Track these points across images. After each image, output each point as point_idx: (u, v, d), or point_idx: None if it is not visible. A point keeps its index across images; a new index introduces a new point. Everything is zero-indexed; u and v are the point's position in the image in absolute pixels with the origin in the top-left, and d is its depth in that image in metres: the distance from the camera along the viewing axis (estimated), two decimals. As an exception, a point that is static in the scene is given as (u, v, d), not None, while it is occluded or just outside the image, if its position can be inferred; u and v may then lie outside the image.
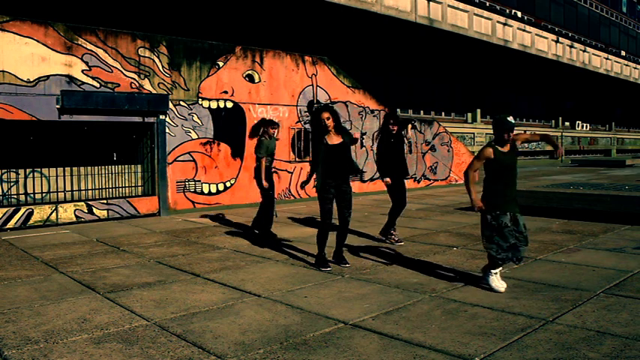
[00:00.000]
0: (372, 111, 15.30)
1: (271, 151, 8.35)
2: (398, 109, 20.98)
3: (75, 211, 10.03)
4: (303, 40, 15.46)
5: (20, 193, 9.86)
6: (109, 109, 10.16)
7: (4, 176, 9.71)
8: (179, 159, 11.30)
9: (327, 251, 6.27)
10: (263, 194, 8.31)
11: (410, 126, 8.60)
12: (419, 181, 16.75)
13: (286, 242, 7.80)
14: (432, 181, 17.23)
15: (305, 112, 13.59)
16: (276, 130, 8.46)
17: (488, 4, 23.91)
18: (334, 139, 6.05)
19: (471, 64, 24.61)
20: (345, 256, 6.42)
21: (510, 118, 5.04)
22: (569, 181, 15.69)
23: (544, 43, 27.25)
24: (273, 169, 8.94)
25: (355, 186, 13.89)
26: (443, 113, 24.94)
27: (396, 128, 7.83)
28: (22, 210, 9.48)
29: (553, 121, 33.96)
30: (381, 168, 7.81)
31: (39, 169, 10.08)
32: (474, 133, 25.86)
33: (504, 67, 26.32)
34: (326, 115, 5.99)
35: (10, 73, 9.14)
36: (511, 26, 24.63)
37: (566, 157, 33.91)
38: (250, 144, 12.44)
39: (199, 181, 11.63)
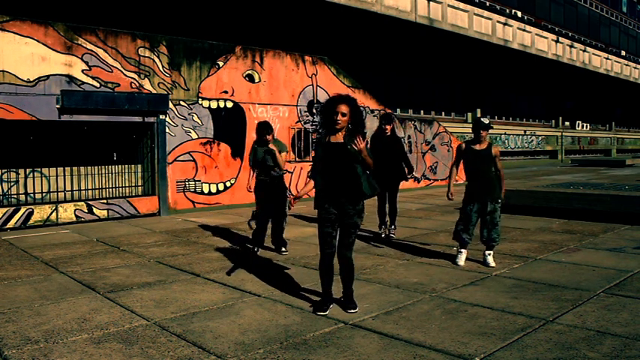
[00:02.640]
0: (372, 111, 15.29)
1: (258, 159, 6.95)
2: (398, 109, 20.99)
3: (75, 210, 10.03)
4: (303, 40, 15.45)
5: (20, 192, 9.86)
6: (109, 109, 10.16)
7: (4, 176, 9.71)
8: (179, 159, 11.30)
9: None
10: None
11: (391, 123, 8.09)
12: (419, 181, 16.75)
13: (286, 242, 7.78)
14: (432, 181, 17.23)
15: (305, 111, 13.60)
16: (270, 136, 6.91)
17: (488, 4, 23.90)
18: (339, 139, 4.48)
19: (471, 64, 24.60)
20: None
21: (484, 119, 6.03)
22: (569, 180, 15.69)
23: (544, 43, 27.24)
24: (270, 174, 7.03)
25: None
26: (443, 113, 24.93)
27: (389, 128, 7.87)
28: (22, 210, 9.48)
29: (553, 121, 33.95)
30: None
31: (39, 169, 10.08)
32: (474, 133, 25.80)
33: (504, 67, 26.30)
34: (344, 108, 4.40)
35: (10, 73, 9.14)
36: (511, 26, 24.62)
37: (566, 157, 33.92)
38: (250, 143, 12.44)
39: (199, 180, 11.63)
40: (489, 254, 6.19)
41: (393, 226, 8.15)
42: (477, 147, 6.14)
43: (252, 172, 7.20)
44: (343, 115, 4.39)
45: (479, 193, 6.10)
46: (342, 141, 4.45)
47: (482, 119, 6.07)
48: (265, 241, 7.29)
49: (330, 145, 4.47)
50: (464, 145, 6.27)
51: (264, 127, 6.91)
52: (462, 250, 6.28)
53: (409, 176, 8.15)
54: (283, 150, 7.08)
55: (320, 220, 4.54)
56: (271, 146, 6.84)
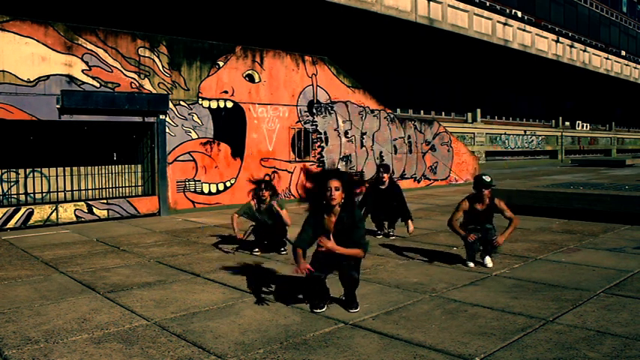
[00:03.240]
0: (372, 111, 15.30)
1: (258, 219, 6.88)
2: (398, 109, 21.01)
3: (75, 210, 10.03)
4: (303, 40, 15.46)
5: (20, 192, 9.86)
6: (109, 109, 10.16)
7: (4, 176, 9.71)
8: (179, 159, 11.30)
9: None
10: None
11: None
12: (419, 181, 16.75)
13: (286, 242, 7.78)
14: (432, 181, 17.22)
15: (305, 111, 13.60)
16: (267, 192, 6.76)
17: (488, 4, 23.91)
18: (333, 221, 4.43)
19: (471, 64, 24.61)
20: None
21: (485, 177, 5.95)
22: (570, 180, 15.69)
23: (544, 43, 27.26)
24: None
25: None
26: (443, 113, 24.95)
27: (386, 177, 8.11)
28: (23, 210, 9.48)
29: (553, 121, 33.97)
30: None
31: (39, 169, 10.08)
32: (474, 133, 25.86)
33: (504, 67, 26.32)
34: (336, 183, 4.33)
35: (10, 73, 9.14)
36: (511, 26, 24.64)
37: (566, 157, 33.94)
38: (250, 143, 12.47)
39: (199, 180, 11.64)
40: (487, 257, 6.22)
41: (392, 229, 8.32)
42: (479, 207, 6.09)
43: (236, 216, 7.06)
44: (337, 189, 4.31)
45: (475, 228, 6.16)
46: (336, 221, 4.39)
47: (484, 177, 5.96)
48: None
49: (327, 232, 4.39)
50: (467, 203, 6.14)
51: (260, 184, 6.80)
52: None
53: (411, 228, 8.09)
54: (283, 207, 6.90)
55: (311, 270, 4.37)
56: (275, 204, 6.78)
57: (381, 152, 15.47)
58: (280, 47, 13.21)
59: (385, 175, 8.13)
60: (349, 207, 4.40)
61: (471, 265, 6.19)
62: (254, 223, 7.07)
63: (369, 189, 8.27)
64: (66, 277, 5.86)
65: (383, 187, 8.14)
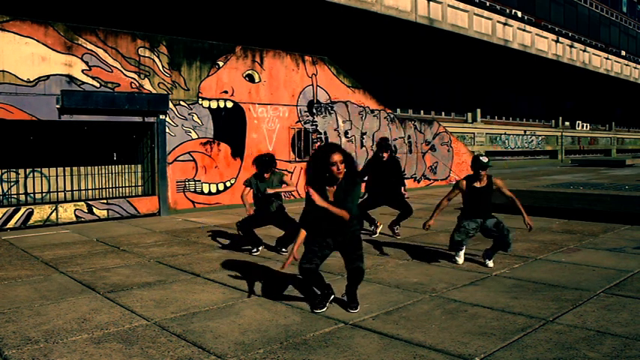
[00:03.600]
0: (372, 111, 15.30)
1: (260, 193, 6.93)
2: (398, 109, 21.00)
3: (75, 210, 10.04)
4: (303, 40, 15.45)
5: (20, 192, 9.86)
6: (109, 109, 10.16)
7: (4, 176, 9.71)
8: (179, 159, 11.30)
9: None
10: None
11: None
12: (419, 181, 16.76)
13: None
14: (432, 181, 17.23)
15: (305, 111, 13.60)
16: (268, 174, 6.89)
17: (488, 4, 23.90)
18: (333, 190, 4.47)
19: (471, 64, 24.60)
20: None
21: (483, 158, 5.97)
22: (569, 180, 15.70)
23: (544, 43, 27.24)
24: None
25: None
26: (443, 113, 24.93)
27: (386, 156, 8.16)
28: (22, 210, 9.49)
29: (553, 121, 33.95)
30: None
31: (39, 169, 10.08)
32: (474, 133, 25.85)
33: (504, 67, 26.30)
34: (338, 157, 4.34)
35: (10, 73, 9.14)
36: (511, 26, 24.62)
37: (566, 157, 33.93)
38: (250, 143, 12.46)
39: (199, 180, 11.64)
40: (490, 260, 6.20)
41: (397, 226, 8.34)
42: (477, 184, 6.07)
43: (245, 190, 7.14)
44: (342, 162, 4.35)
45: (476, 214, 6.13)
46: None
47: (481, 158, 5.99)
48: (265, 239, 7.28)
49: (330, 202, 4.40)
50: (464, 182, 6.12)
51: (264, 165, 6.82)
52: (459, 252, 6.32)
53: (404, 191, 8.36)
54: (282, 177, 7.03)
55: (306, 250, 4.48)
56: (270, 190, 6.79)
57: (381, 152, 15.47)
58: (280, 47, 13.21)
59: (385, 154, 8.15)
60: (350, 175, 4.44)
61: (460, 260, 6.24)
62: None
63: (369, 163, 8.42)
64: (66, 277, 5.86)
65: (384, 159, 8.20)
